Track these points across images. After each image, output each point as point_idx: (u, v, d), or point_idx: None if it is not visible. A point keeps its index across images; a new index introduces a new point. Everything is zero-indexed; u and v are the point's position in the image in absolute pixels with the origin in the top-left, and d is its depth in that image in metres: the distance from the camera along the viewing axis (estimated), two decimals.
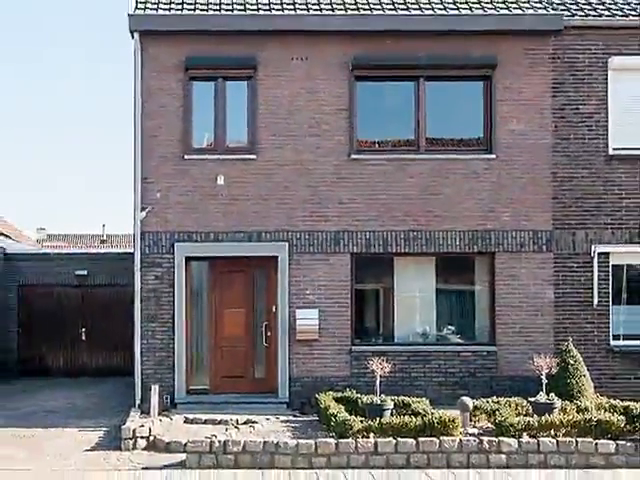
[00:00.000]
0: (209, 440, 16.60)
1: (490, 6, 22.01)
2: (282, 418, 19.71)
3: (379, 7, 22.00)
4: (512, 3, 22.11)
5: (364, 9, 21.86)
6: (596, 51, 21.75)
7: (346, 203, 21.43)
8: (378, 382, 18.61)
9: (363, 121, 21.81)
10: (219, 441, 16.54)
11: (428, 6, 21.96)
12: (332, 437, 16.94)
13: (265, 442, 16.55)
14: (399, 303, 22.08)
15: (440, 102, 21.92)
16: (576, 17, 21.82)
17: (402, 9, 21.82)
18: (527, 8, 21.91)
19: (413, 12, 21.70)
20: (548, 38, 21.72)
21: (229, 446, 16.43)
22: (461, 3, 22.11)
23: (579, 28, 21.74)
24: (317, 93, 21.58)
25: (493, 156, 21.64)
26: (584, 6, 22.30)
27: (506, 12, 21.73)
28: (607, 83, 21.77)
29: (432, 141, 21.91)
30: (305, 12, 21.58)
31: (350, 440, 16.57)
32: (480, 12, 21.76)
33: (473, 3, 22.13)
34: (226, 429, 18.55)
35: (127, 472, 16.00)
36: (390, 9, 21.88)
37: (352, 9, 21.89)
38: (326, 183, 21.46)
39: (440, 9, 21.83)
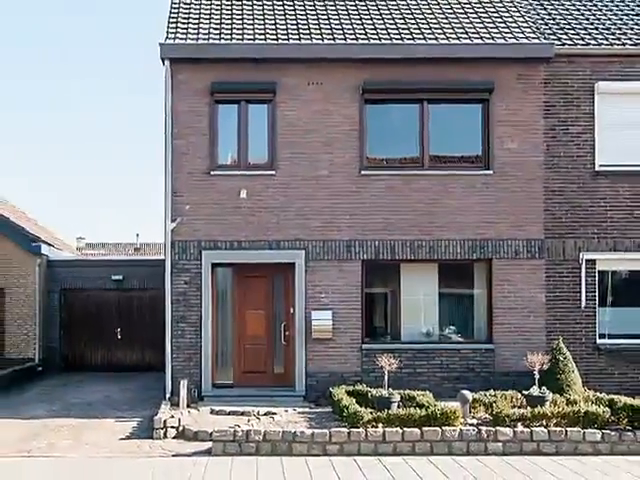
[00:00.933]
0: (233, 430, 16.71)
1: (487, 35, 22.15)
2: (299, 410, 19.83)
3: (386, 35, 22.19)
4: (507, 33, 22.25)
5: (373, 38, 22.02)
6: (584, 76, 21.88)
7: (357, 215, 21.57)
8: (386, 377, 18.69)
9: (372, 140, 21.94)
10: (242, 431, 16.65)
11: (431, 35, 22.14)
12: (344, 427, 17.01)
13: (284, 431, 16.66)
14: (405, 305, 22.18)
15: (442, 123, 22.00)
16: (565, 46, 22.01)
17: (407, 38, 22.00)
18: (521, 37, 22.02)
19: (417, 41, 21.84)
20: (540, 65, 21.85)
21: (251, 435, 16.53)
22: (461, 32, 22.26)
23: (568, 56, 21.91)
24: (331, 115, 21.71)
25: (490, 172, 21.76)
26: (573, 36, 22.45)
27: (502, 41, 21.85)
28: (594, 106, 21.89)
29: (435, 158, 21.99)
30: (320, 41, 21.73)
31: (361, 430, 16.66)
32: (479, 41, 21.86)
33: (472, 33, 22.26)
34: (248, 420, 18.68)
35: (159, 459, 16.10)
36: (397, 38, 22.02)
37: (362, 37, 22.07)
38: (339, 196, 21.59)
39: (442, 38, 21.98)
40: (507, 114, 21.84)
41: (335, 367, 21.46)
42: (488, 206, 21.79)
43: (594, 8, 24.11)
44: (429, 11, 23.63)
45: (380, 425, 16.86)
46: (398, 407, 17.74)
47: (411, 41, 21.86)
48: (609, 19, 23.41)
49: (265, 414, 19.14)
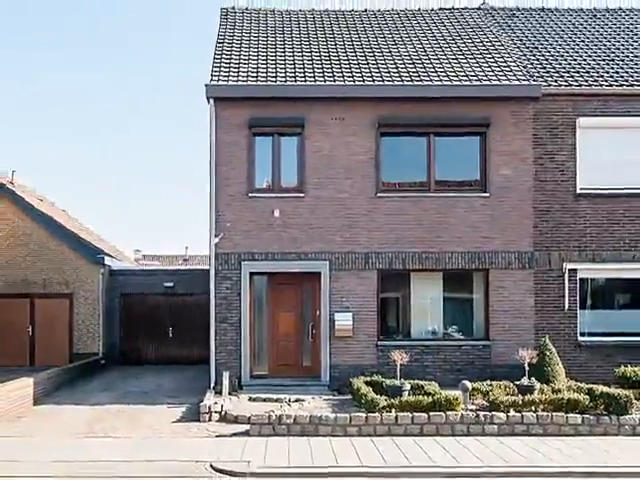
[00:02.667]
0: (268, 414, 16.97)
1: (485, 77, 22.42)
2: (324, 397, 20.07)
3: (398, 77, 22.51)
4: (502, 75, 22.53)
5: (387, 79, 22.30)
6: (567, 112, 22.10)
7: (373, 231, 21.82)
8: (398, 369, 18.96)
9: (386, 167, 22.14)
10: (275, 415, 16.90)
11: (436, 77, 22.41)
12: (362, 412, 17.28)
13: (311, 416, 16.90)
14: (414, 308, 22.34)
15: (446, 152, 22.20)
16: (551, 86, 22.22)
17: (416, 79, 22.27)
18: (513, 79, 22.25)
19: (425, 82, 22.10)
20: (530, 103, 22.08)
21: (283, 419, 16.79)
22: (462, 75, 22.51)
23: (553, 95, 22.12)
24: (350, 146, 21.97)
25: (487, 194, 21.97)
26: (557, 77, 22.63)
27: (497, 83, 22.07)
28: (575, 138, 22.11)
29: (440, 183, 22.13)
30: (341, 82, 22.02)
31: (376, 414, 16.93)
32: (477, 82, 22.09)
33: (471, 75, 22.54)
34: (281, 405, 18.96)
35: (205, 439, 16.37)
36: (407, 79, 22.30)
37: (377, 78, 22.38)
38: (358, 215, 21.85)
39: (446, 80, 22.23)
40: (501, 145, 22.07)
41: (355, 360, 21.65)
42: (485, 223, 21.98)
43: (576, 54, 24.27)
44: (434, 54, 24.00)
45: (393, 410, 17.09)
46: (408, 395, 17.97)
47: (420, 82, 22.09)
48: (588, 63, 23.59)
49: (295, 401, 19.40)
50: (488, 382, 19.27)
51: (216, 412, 18.14)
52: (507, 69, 22.88)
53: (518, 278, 22.14)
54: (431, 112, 21.93)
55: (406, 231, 21.90)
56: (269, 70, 22.85)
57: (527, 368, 18.86)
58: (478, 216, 21.98)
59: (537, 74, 22.83)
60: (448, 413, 16.89)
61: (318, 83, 22.10)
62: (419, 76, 22.57)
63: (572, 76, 22.79)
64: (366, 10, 27.86)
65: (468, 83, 22.14)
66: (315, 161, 21.99)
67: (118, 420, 18.27)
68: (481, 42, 24.81)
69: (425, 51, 24.24)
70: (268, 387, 21.20)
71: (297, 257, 21.77)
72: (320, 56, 23.90)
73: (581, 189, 22.20)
